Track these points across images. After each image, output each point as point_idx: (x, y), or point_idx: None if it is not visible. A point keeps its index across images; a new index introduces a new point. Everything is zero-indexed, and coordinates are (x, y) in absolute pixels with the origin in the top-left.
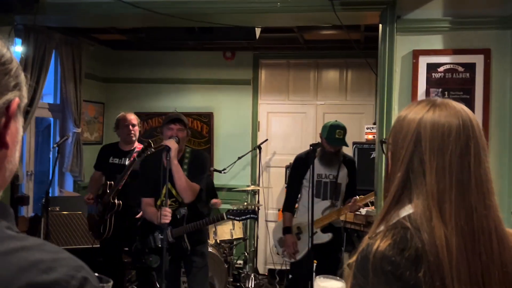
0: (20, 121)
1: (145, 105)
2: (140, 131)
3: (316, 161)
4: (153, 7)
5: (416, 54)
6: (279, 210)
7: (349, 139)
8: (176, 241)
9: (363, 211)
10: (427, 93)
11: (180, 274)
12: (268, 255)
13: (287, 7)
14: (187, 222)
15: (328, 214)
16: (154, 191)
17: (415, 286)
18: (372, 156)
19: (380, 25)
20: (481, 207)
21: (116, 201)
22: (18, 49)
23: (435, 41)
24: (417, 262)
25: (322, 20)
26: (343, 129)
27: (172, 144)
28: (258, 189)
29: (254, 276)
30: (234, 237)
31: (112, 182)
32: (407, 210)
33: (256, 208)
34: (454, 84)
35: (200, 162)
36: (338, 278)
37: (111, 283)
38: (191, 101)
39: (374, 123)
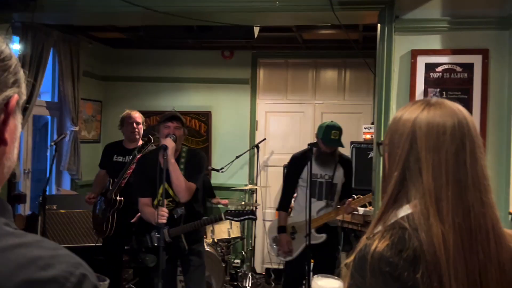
0: (18, 118)
1: (143, 103)
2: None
3: (312, 161)
4: (152, 5)
5: (415, 54)
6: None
7: (347, 138)
8: (173, 240)
9: (361, 210)
10: (425, 93)
11: (176, 273)
12: (265, 254)
13: (285, 6)
14: (184, 222)
15: (323, 215)
16: (151, 190)
17: (413, 287)
18: (370, 156)
19: (379, 25)
20: (478, 205)
21: (118, 198)
22: (16, 47)
23: (434, 41)
24: (415, 263)
25: (321, 19)
26: (338, 130)
27: (169, 142)
28: (256, 189)
29: (252, 275)
30: (231, 236)
31: (115, 180)
32: (405, 210)
33: (254, 207)
34: (452, 84)
35: (196, 161)
36: (335, 277)
37: (107, 282)
38: (189, 100)
39: (372, 123)
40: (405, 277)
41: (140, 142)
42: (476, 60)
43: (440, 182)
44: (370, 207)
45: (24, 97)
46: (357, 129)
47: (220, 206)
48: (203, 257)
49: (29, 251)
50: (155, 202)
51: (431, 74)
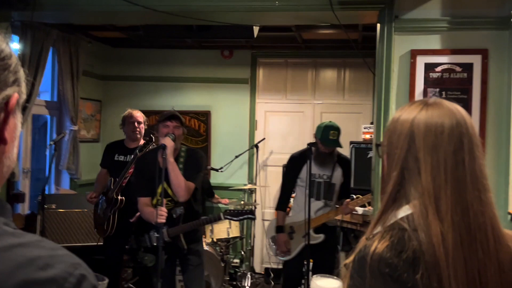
0: (18, 117)
1: (143, 103)
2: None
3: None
4: (151, 4)
5: (414, 53)
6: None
7: (346, 138)
8: (172, 240)
9: (360, 210)
10: (425, 92)
11: (175, 273)
12: (264, 254)
13: (285, 5)
14: (183, 222)
15: (321, 215)
16: (150, 190)
17: None
18: (369, 156)
19: (378, 25)
20: (477, 203)
21: (119, 197)
22: (15, 46)
23: (433, 41)
24: (415, 264)
25: (321, 19)
26: (337, 130)
27: (168, 142)
28: (255, 188)
29: (251, 274)
30: (230, 235)
31: (117, 179)
32: (404, 210)
33: (253, 207)
34: (452, 84)
35: (196, 161)
36: (334, 277)
37: (106, 281)
38: (188, 99)
39: (372, 123)
40: (404, 278)
41: (142, 142)
42: (475, 60)
43: (439, 181)
44: (370, 207)
45: (24, 96)
46: (357, 129)
47: (220, 205)
48: (202, 256)
49: (28, 251)
50: (154, 201)
51: (431, 74)
